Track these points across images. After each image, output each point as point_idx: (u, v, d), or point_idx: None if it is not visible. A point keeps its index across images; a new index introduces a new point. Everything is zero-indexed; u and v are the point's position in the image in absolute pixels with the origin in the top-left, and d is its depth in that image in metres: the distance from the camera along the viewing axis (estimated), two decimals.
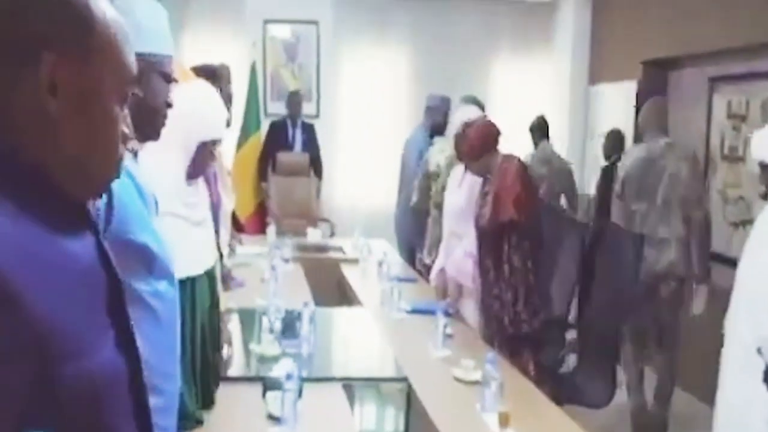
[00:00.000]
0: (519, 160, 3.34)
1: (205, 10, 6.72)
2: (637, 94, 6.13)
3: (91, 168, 0.97)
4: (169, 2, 6.72)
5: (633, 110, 6.19)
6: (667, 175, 4.06)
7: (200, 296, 2.20)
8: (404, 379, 2.75)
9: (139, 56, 1.58)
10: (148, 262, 1.52)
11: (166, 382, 1.57)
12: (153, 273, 1.54)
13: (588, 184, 6.97)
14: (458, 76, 7.23)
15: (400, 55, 7.21)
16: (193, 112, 2.13)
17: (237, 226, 5.98)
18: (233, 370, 2.83)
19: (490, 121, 3.43)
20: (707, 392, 2.85)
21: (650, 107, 4.37)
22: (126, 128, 0.99)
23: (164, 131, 2.09)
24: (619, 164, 4.42)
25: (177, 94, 2.15)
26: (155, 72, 1.62)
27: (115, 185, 1.46)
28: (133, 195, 1.53)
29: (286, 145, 6.34)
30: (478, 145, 3.29)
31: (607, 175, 5.12)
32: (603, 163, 5.68)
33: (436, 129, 5.38)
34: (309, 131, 6.45)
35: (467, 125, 3.41)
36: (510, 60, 7.41)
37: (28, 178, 0.90)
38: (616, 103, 6.49)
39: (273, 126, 6.47)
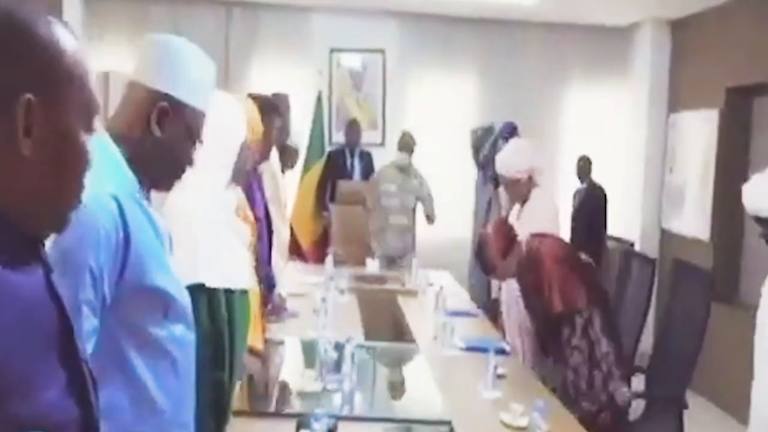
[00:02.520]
0: (550, 237, 3.13)
1: (272, 39, 6.77)
2: (719, 123, 5.78)
3: (59, 201, 0.96)
4: (236, 32, 6.87)
5: (716, 140, 5.84)
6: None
7: (240, 315, 2.13)
8: (447, 423, 2.56)
9: (182, 104, 1.48)
10: (166, 305, 1.46)
11: (182, 430, 1.53)
12: (169, 317, 1.47)
13: (668, 219, 6.61)
14: (528, 104, 7.02)
15: (467, 83, 7.06)
16: (224, 127, 2.09)
17: (299, 254, 5.94)
18: (271, 405, 2.73)
19: (502, 221, 3.20)
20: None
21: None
22: (91, 153, 0.98)
23: (203, 155, 2.06)
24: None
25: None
26: (188, 124, 1.55)
27: (132, 224, 1.38)
28: (149, 233, 1.46)
29: (344, 174, 6.27)
30: (499, 252, 3.09)
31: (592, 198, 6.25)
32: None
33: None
34: (366, 160, 6.38)
35: (485, 232, 3.22)
36: (583, 87, 7.15)
37: None
38: (698, 133, 6.12)
39: (331, 155, 6.41)
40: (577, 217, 6.21)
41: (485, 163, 5.52)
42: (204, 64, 1.62)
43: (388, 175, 5.98)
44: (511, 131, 5.63)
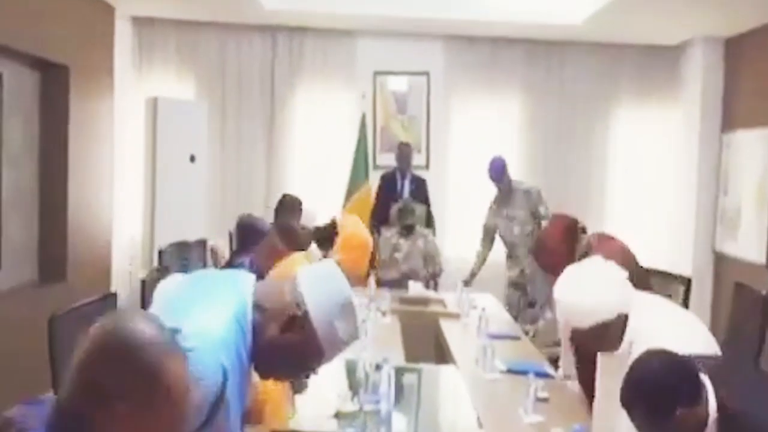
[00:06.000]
0: (617, 242, 2.97)
1: (316, 63, 6.83)
2: None
3: None
4: (282, 56, 6.94)
5: None
6: None
7: None
8: None
9: (313, 329, 1.57)
10: None
11: None
12: None
13: (722, 242, 6.39)
14: (576, 126, 6.93)
15: (512, 104, 6.99)
16: None
17: None
18: (307, 425, 2.69)
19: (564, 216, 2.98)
20: None
21: None
22: None
23: None
24: None
25: None
26: (307, 347, 1.59)
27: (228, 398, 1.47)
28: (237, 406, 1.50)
29: (394, 197, 6.22)
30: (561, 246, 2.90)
31: None
32: None
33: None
34: (419, 184, 6.32)
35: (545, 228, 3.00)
36: (633, 108, 7.01)
37: None
38: (753, 152, 5.93)
39: (383, 178, 6.38)
40: None
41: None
42: (353, 323, 1.63)
43: (392, 243, 5.73)
44: (500, 171, 5.55)
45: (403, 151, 6.33)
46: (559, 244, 2.91)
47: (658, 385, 1.73)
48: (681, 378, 1.74)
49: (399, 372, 3.03)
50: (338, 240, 2.61)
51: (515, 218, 5.50)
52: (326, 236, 2.72)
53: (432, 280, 5.74)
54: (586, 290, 2.24)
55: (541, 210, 5.46)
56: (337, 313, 1.59)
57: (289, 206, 5.04)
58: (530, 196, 5.55)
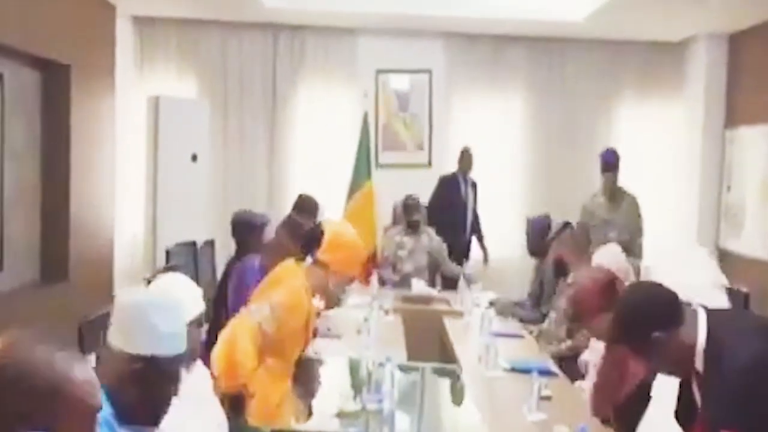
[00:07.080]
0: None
1: (318, 61, 6.82)
2: None
3: None
4: (283, 55, 6.92)
5: None
6: None
7: None
8: None
9: (149, 358, 1.62)
10: None
11: None
12: None
13: (725, 239, 6.37)
14: (579, 123, 6.91)
15: (514, 102, 6.97)
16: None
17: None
18: (310, 425, 2.69)
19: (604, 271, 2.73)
20: None
21: None
22: None
23: None
24: None
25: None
26: (161, 371, 1.65)
27: None
28: None
29: (457, 200, 6.17)
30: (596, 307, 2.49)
31: None
32: None
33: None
34: (475, 188, 6.31)
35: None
36: (635, 104, 6.99)
37: None
38: (757, 149, 5.90)
39: (443, 180, 6.29)
40: None
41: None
42: (167, 312, 1.69)
43: (395, 241, 5.60)
44: (617, 158, 5.39)
45: (467, 156, 6.29)
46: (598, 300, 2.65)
47: (631, 310, 1.85)
48: (653, 302, 1.84)
49: (402, 371, 3.02)
50: (324, 240, 2.63)
51: (614, 224, 5.18)
52: (313, 238, 2.72)
53: (452, 287, 5.48)
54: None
55: (640, 223, 5.23)
56: (148, 315, 1.64)
57: (306, 207, 4.96)
58: (637, 204, 5.31)
